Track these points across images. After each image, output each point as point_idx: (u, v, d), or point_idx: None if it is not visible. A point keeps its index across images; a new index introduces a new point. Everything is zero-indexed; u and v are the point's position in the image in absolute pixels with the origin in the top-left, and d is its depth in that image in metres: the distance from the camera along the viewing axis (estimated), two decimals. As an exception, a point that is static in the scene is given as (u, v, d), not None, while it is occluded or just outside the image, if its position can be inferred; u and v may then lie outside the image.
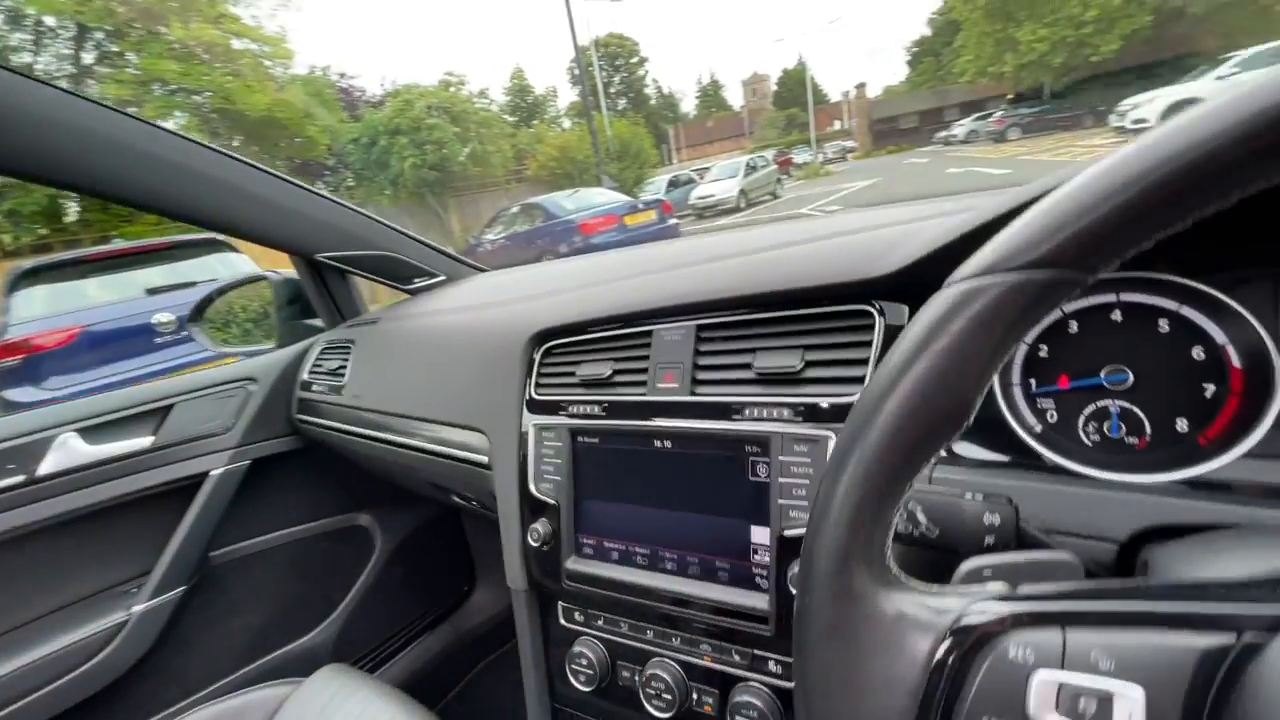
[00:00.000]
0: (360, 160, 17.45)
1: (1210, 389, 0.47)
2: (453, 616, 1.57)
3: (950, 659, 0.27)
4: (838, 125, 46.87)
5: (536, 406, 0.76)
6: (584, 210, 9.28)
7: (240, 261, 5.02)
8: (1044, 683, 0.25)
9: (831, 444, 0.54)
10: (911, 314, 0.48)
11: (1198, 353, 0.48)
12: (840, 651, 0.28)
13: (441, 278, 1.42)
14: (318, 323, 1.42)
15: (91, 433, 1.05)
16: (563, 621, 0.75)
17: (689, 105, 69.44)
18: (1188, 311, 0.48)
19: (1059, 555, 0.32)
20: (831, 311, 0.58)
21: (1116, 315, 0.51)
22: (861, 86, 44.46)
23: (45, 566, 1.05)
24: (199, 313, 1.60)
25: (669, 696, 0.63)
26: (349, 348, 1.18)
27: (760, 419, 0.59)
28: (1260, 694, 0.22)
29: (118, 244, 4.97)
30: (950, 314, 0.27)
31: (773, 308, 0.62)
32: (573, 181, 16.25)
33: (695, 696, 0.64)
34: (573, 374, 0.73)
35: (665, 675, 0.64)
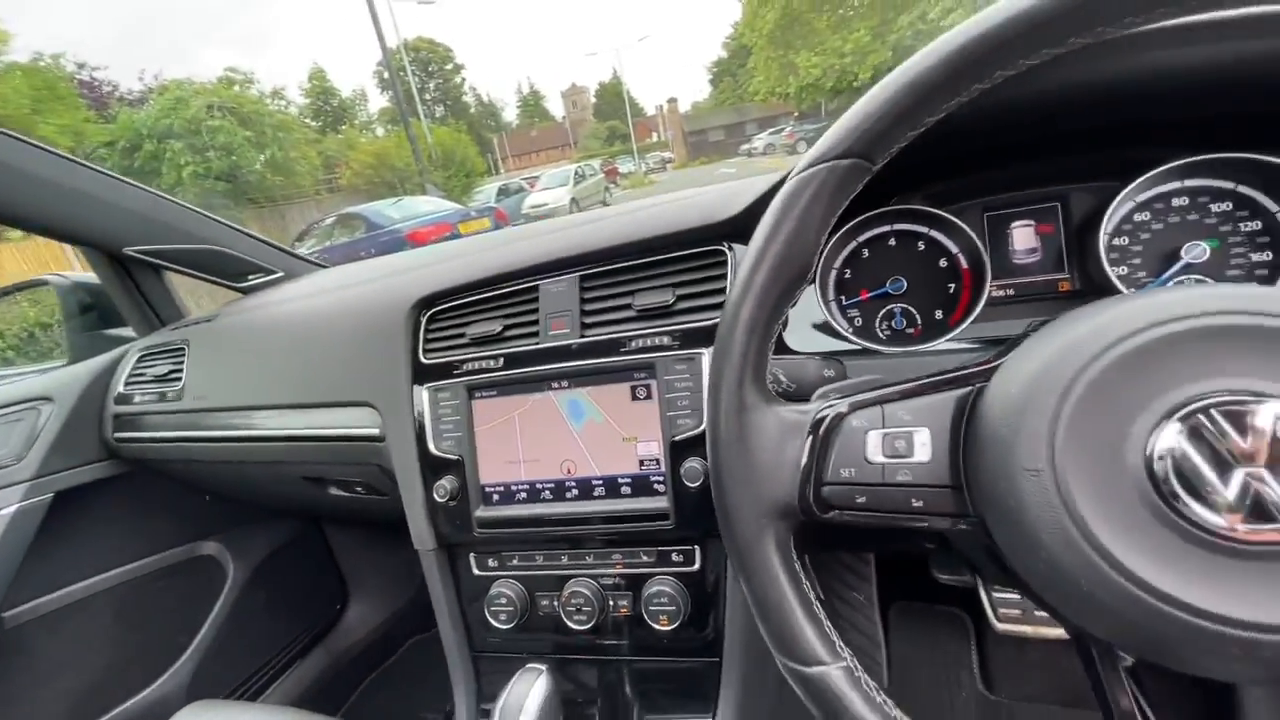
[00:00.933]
0: (119, 168, 14.55)
1: (952, 286, 0.67)
2: (327, 638, 1.45)
3: (817, 438, 0.39)
4: (655, 137, 49.75)
5: (426, 371, 0.78)
6: (411, 219, 8.78)
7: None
8: (874, 436, 0.38)
9: (705, 360, 0.65)
10: None
11: (942, 262, 0.67)
12: (741, 448, 0.39)
13: (279, 274, 1.32)
14: (124, 332, 1.23)
15: None
16: (476, 571, 0.78)
17: (510, 115, 68.80)
18: (934, 233, 0.67)
19: (871, 376, 0.46)
20: (693, 253, 0.70)
21: (892, 241, 0.69)
22: (673, 101, 47.70)
23: None
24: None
25: (589, 609, 0.71)
26: (181, 349, 1.05)
27: (644, 349, 0.68)
28: (979, 414, 0.36)
29: None
30: (791, 196, 0.38)
31: (644, 254, 0.72)
32: (394, 190, 15.24)
33: (612, 602, 0.72)
34: (462, 335, 0.77)
35: (584, 590, 0.71)
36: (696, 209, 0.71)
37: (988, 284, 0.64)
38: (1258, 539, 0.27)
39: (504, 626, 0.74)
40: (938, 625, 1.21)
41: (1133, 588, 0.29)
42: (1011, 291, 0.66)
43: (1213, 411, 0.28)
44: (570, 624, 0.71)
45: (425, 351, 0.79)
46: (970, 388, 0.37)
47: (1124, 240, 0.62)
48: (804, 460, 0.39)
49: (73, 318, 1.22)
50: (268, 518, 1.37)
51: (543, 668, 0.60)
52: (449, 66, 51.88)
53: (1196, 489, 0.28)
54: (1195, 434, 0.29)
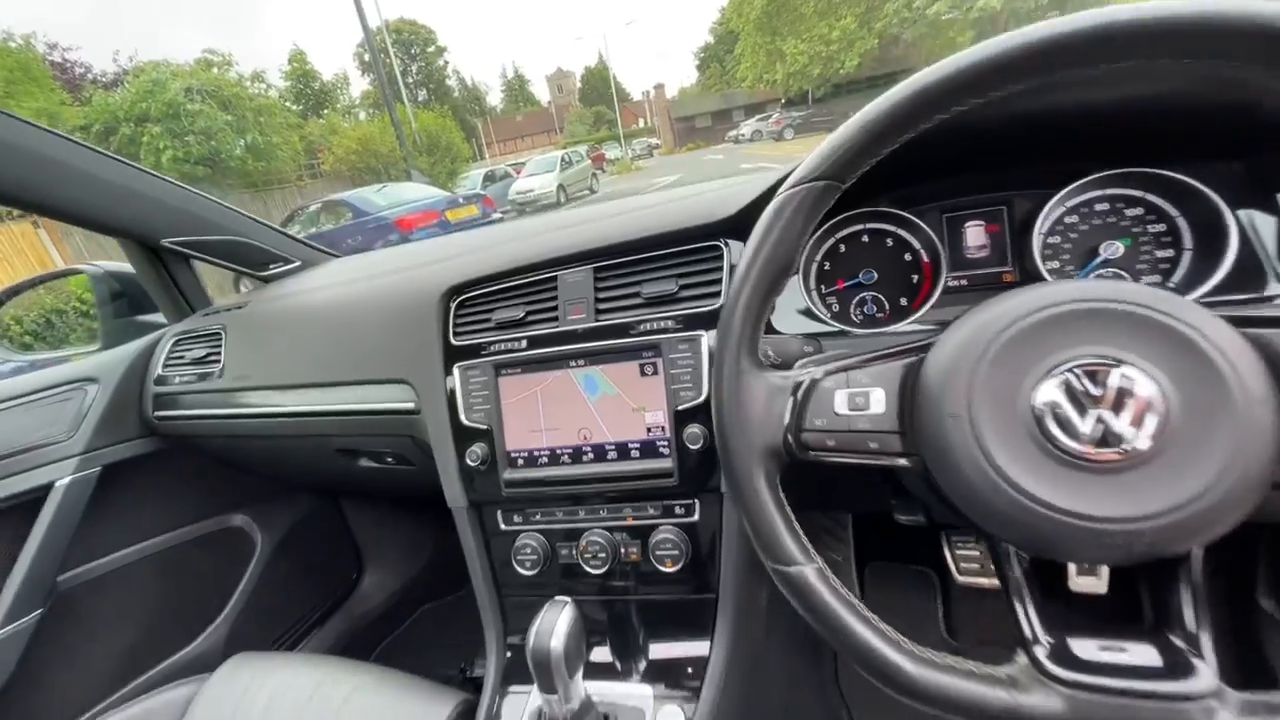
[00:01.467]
0: (93, 152, 14.17)
1: (915, 277, 0.79)
2: (346, 603, 1.56)
3: (797, 398, 0.50)
4: (642, 123, 49.42)
5: (457, 352, 0.88)
6: (398, 206, 8.75)
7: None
8: (840, 394, 0.49)
9: (704, 341, 0.76)
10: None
11: (907, 256, 0.79)
12: (738, 405, 0.50)
13: (297, 263, 1.40)
14: (155, 318, 1.31)
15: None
16: (503, 526, 0.88)
17: (495, 99, 67.85)
18: (900, 232, 0.78)
19: (841, 350, 0.57)
20: (694, 248, 0.81)
21: (865, 238, 0.81)
22: (660, 87, 47.30)
23: None
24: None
25: (604, 555, 0.82)
26: (218, 334, 1.14)
27: (651, 332, 0.79)
28: (920, 376, 0.46)
29: None
30: (778, 209, 0.49)
31: (651, 249, 0.83)
32: (378, 176, 15.08)
33: (623, 550, 0.83)
34: (488, 319, 0.87)
35: (599, 539, 0.82)
36: (696, 210, 0.82)
37: (944, 275, 0.75)
38: (1104, 459, 0.39)
39: (528, 573, 0.85)
40: (908, 583, 1.35)
41: (1024, 499, 0.40)
42: (965, 282, 0.78)
43: (1077, 370, 0.40)
44: (587, 569, 0.83)
45: (455, 334, 0.89)
46: (915, 356, 0.49)
47: (1056, 239, 0.74)
48: (787, 415, 0.50)
49: (105, 304, 1.29)
50: (290, 493, 1.46)
51: (568, 599, 0.71)
52: (431, 49, 50.97)
53: (1065, 426, 0.40)
54: (1066, 387, 0.40)
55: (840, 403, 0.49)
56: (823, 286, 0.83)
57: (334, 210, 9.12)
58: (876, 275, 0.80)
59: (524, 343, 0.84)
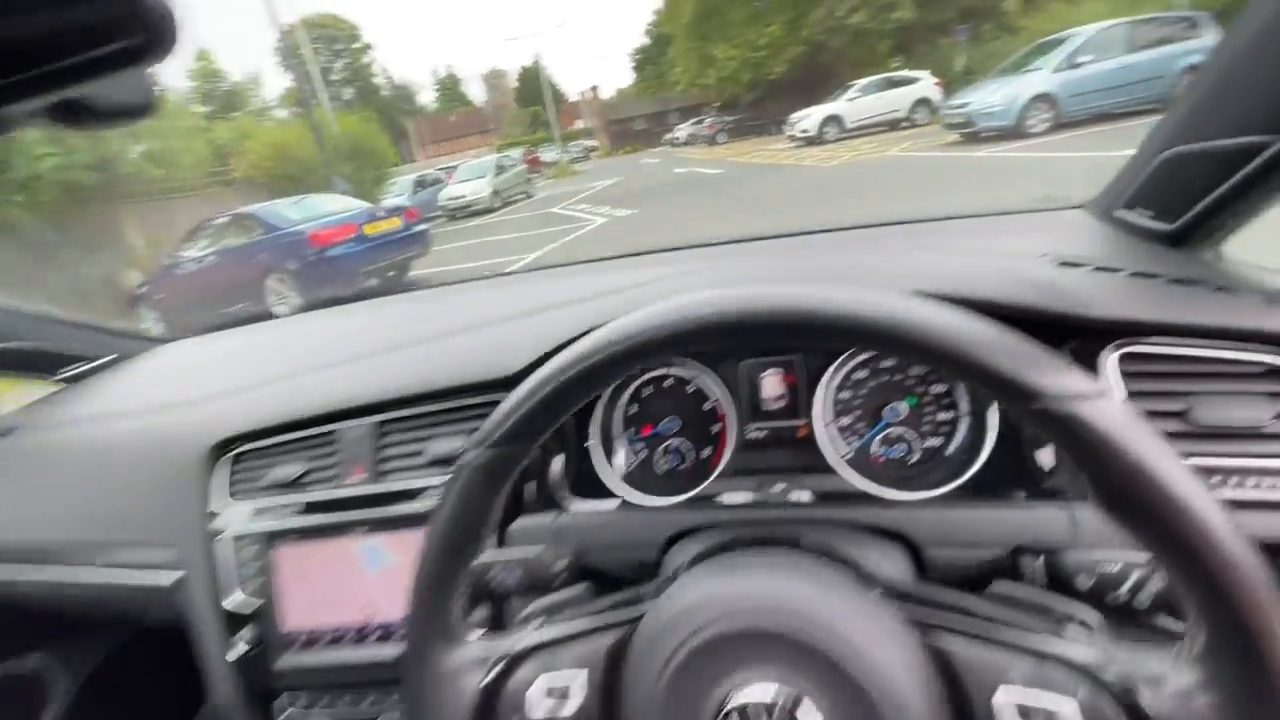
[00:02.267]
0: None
1: (716, 427, 0.75)
2: None
3: (486, 688, 0.43)
4: (580, 124, 49.09)
5: (225, 516, 0.78)
6: (314, 220, 8.27)
7: None
8: (538, 685, 0.43)
9: None
10: None
11: (706, 405, 0.75)
12: (426, 688, 0.44)
13: (111, 356, 1.25)
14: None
15: None
16: (289, 712, 0.79)
17: (426, 98, 65.76)
18: (701, 381, 0.74)
19: (571, 591, 0.52)
20: (477, 402, 0.74)
21: (668, 383, 0.76)
22: (595, 88, 47.16)
23: None
24: None
25: None
26: None
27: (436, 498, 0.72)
28: (635, 648, 0.42)
29: None
30: (450, 484, 0.43)
31: (437, 400, 0.75)
32: (297, 186, 14.23)
33: None
34: (263, 477, 0.77)
35: None
36: (485, 358, 0.75)
37: (735, 430, 0.72)
38: None
39: None
40: None
41: None
42: (765, 434, 0.75)
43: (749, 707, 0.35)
44: None
45: (222, 495, 0.79)
46: (624, 631, 0.43)
47: (847, 394, 0.71)
48: (473, 703, 0.43)
49: None
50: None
51: None
52: (356, 45, 48.88)
53: None
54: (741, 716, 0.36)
55: (537, 696, 0.43)
56: (632, 430, 0.78)
57: (244, 224, 8.55)
58: (680, 424, 0.76)
59: (301, 508, 0.75)
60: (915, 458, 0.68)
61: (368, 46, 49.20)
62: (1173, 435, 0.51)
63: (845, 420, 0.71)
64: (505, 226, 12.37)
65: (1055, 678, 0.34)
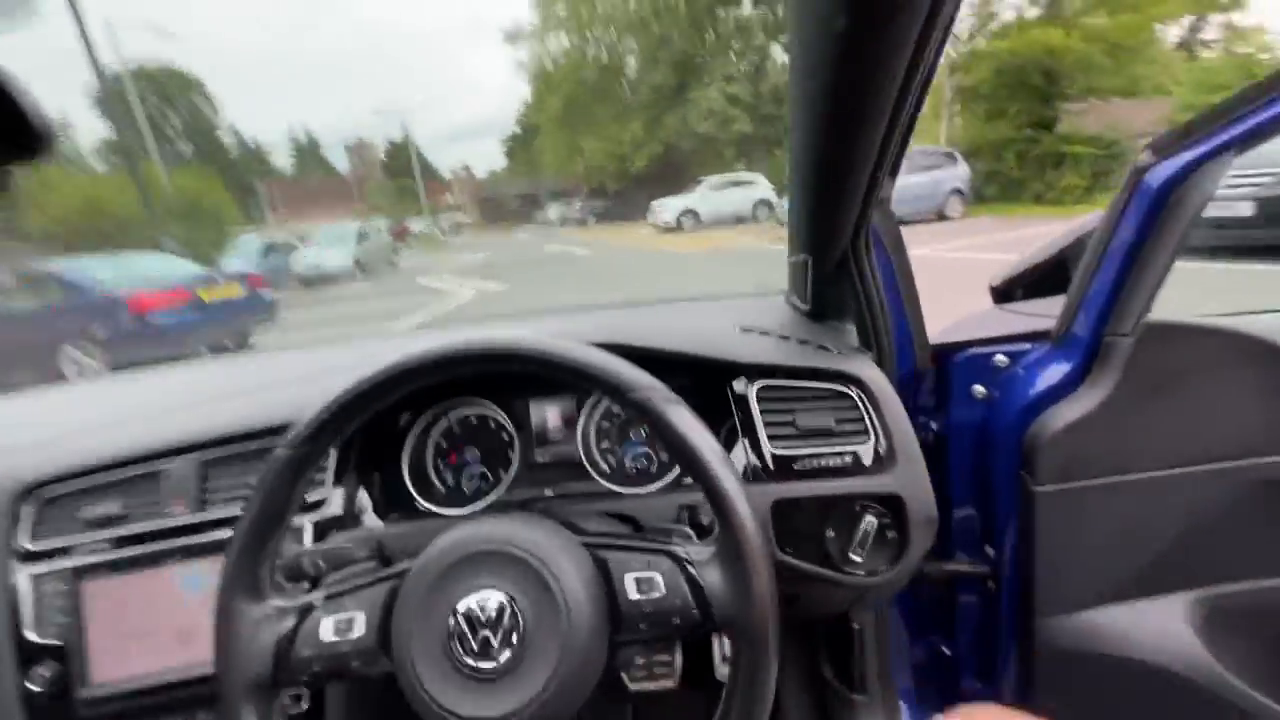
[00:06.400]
0: None
1: (512, 454, 0.95)
2: None
3: (289, 627, 0.57)
4: (449, 199, 49.22)
5: (30, 556, 0.80)
6: (133, 281, 7.37)
7: None
8: (327, 622, 0.57)
9: None
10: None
11: (505, 435, 0.95)
12: (226, 640, 0.55)
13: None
14: None
15: None
16: None
17: (282, 162, 62.25)
18: (498, 415, 0.95)
19: (363, 565, 0.68)
20: None
21: (474, 420, 0.96)
22: (468, 168, 47.93)
23: None
24: None
25: None
26: None
27: None
28: (403, 589, 0.57)
29: None
30: (261, 476, 0.57)
31: (260, 439, 0.87)
32: (110, 243, 12.62)
33: None
34: (74, 517, 0.82)
35: None
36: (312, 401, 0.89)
37: (516, 456, 0.93)
38: (485, 672, 0.52)
39: None
40: None
41: (439, 709, 0.52)
42: (549, 459, 0.96)
43: (469, 603, 0.54)
44: None
45: (33, 538, 0.82)
46: (396, 581, 0.60)
47: (606, 424, 0.96)
48: (273, 645, 0.55)
49: None
50: None
51: None
52: (196, 97, 45.51)
53: (465, 646, 0.52)
54: (465, 617, 0.53)
55: (326, 631, 0.58)
56: (440, 460, 0.95)
57: (38, 285, 7.36)
58: (479, 453, 0.95)
59: (114, 542, 0.81)
60: (655, 466, 0.94)
61: (211, 100, 46.09)
62: (786, 434, 0.81)
63: (605, 443, 0.96)
64: (368, 297, 11.92)
65: (659, 561, 0.57)
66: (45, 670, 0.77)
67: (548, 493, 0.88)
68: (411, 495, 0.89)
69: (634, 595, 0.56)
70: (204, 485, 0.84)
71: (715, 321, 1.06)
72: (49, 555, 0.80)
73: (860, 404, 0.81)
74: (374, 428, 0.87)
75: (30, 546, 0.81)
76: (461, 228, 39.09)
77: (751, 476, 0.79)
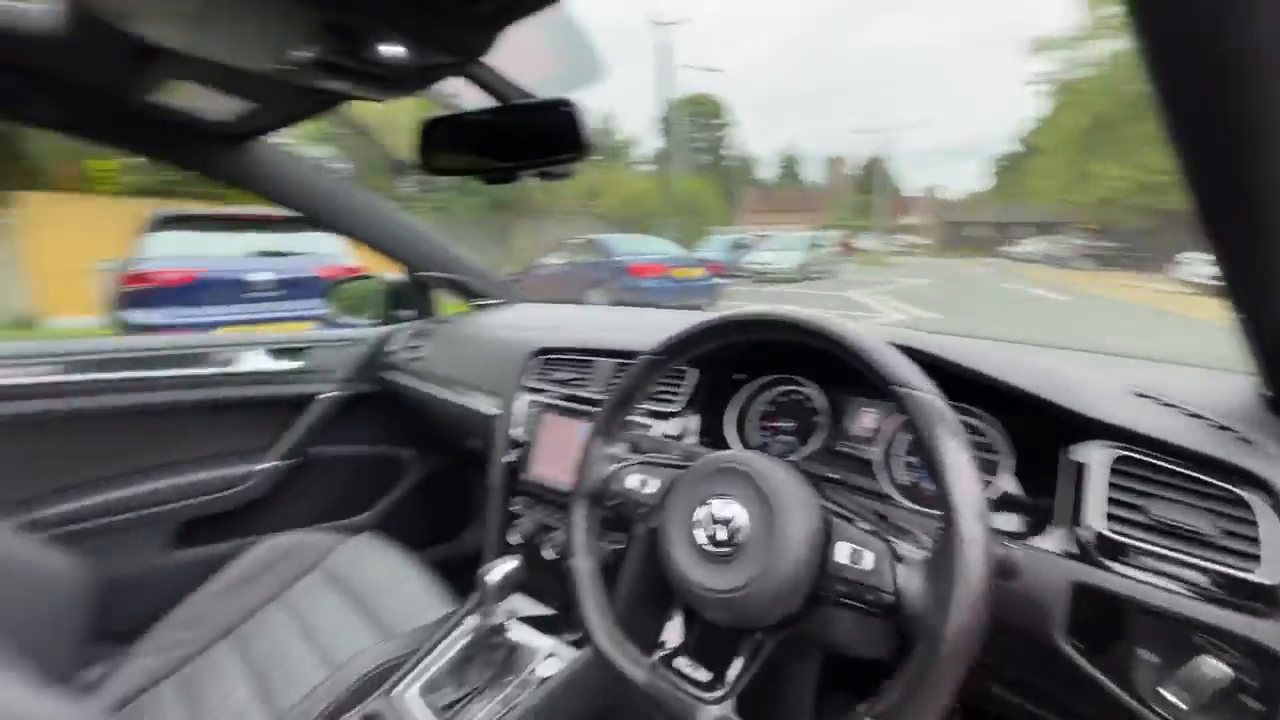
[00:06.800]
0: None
1: (818, 435, 1.03)
2: (443, 546, 2.13)
3: (613, 470, 0.84)
4: (910, 219, 47.47)
5: (526, 389, 1.35)
6: (636, 255, 10.11)
7: (327, 240, 5.76)
8: (632, 477, 0.81)
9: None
10: None
11: (818, 418, 1.04)
12: (583, 462, 0.86)
13: (500, 300, 2.05)
14: (408, 313, 2.06)
15: (271, 353, 1.72)
16: (520, 506, 1.31)
17: (768, 171, 71.47)
18: (819, 399, 1.04)
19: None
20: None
21: (797, 395, 1.08)
22: (932, 189, 44.96)
23: (219, 427, 1.70)
24: (332, 289, 2.26)
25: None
26: (431, 334, 1.81)
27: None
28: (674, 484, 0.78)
29: (241, 209, 5.87)
30: (633, 368, 0.85)
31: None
32: (637, 226, 17.29)
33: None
34: (551, 375, 1.33)
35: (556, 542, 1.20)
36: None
37: (823, 434, 1.01)
38: (719, 553, 0.67)
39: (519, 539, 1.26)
40: None
41: (686, 575, 0.69)
42: (849, 450, 1.00)
43: (709, 500, 0.68)
44: (544, 556, 1.21)
45: (532, 379, 1.36)
46: (683, 468, 0.79)
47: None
48: (603, 476, 0.82)
49: (385, 299, 2.08)
50: (444, 444, 2.07)
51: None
52: (720, 120, 56.04)
53: (706, 531, 0.68)
54: (708, 513, 0.68)
55: (631, 481, 0.81)
56: (760, 421, 1.12)
57: (590, 247, 10.82)
58: (793, 424, 1.07)
59: (563, 395, 1.28)
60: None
61: (729, 124, 56.06)
62: (1129, 518, 0.65)
63: (905, 457, 0.93)
64: (798, 299, 12.91)
65: (875, 543, 0.59)
66: (514, 456, 1.28)
67: (831, 475, 0.93)
68: (724, 438, 1.08)
69: (842, 559, 0.61)
70: (614, 378, 1.23)
71: (1103, 374, 0.87)
72: (534, 390, 1.32)
73: (1262, 519, 0.58)
74: (718, 380, 1.10)
75: (527, 384, 1.34)
76: (915, 249, 37.40)
77: (1059, 550, 0.68)
